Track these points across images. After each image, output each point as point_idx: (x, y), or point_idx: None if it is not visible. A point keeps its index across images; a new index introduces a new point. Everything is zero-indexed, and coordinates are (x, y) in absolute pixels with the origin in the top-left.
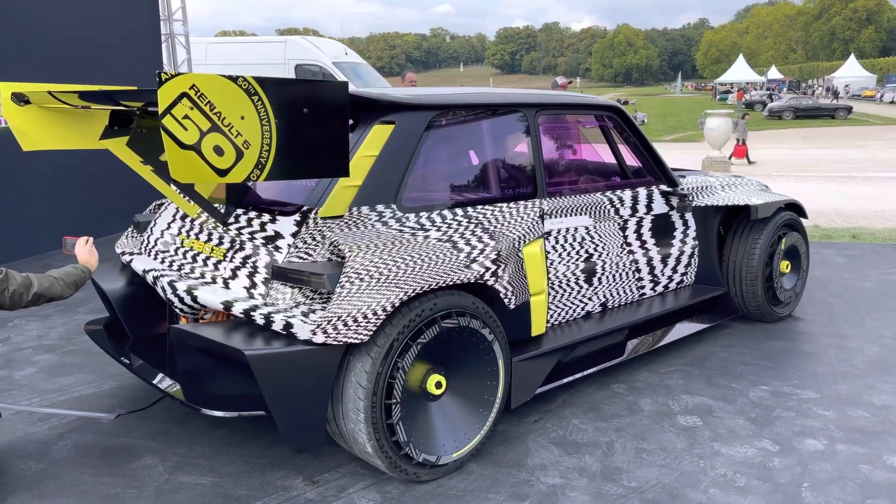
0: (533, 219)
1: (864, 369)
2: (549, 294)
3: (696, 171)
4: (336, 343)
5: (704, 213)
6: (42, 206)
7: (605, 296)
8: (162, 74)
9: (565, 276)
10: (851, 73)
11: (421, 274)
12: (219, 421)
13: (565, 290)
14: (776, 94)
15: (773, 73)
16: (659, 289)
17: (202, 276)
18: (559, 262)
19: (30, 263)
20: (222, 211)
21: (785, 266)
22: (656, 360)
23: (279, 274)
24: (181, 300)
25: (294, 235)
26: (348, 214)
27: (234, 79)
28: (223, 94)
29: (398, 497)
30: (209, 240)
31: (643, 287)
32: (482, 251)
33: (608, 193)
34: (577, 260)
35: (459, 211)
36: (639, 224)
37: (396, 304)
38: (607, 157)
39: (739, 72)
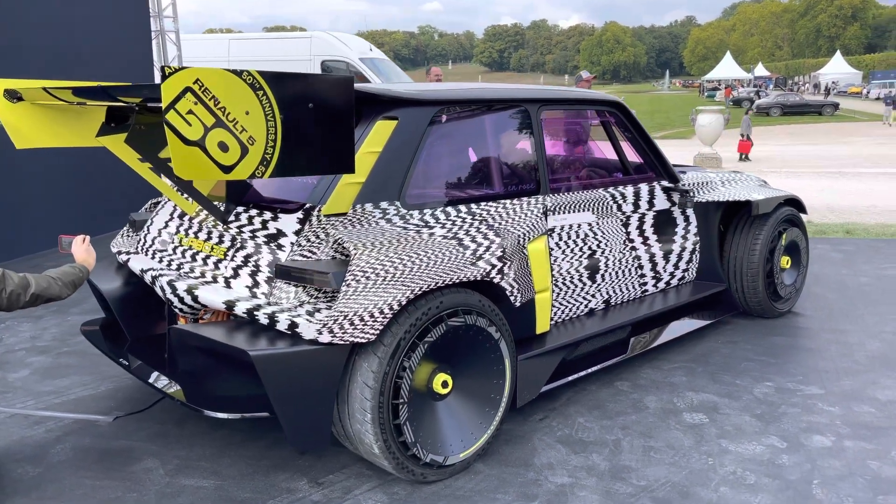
0: (537, 215)
1: (866, 365)
2: (553, 291)
3: (695, 166)
4: (342, 342)
5: (705, 209)
6: (37, 204)
7: (608, 293)
8: (165, 69)
9: (569, 272)
10: (837, 69)
11: (427, 271)
12: (219, 422)
13: (569, 287)
14: (763, 91)
15: (760, 70)
16: (661, 285)
17: (202, 275)
18: (563, 259)
19: (21, 263)
20: (222, 209)
21: (785, 262)
22: (659, 357)
23: (283, 272)
24: (181, 300)
25: (297, 233)
26: (352, 212)
27: (238, 73)
28: (227, 89)
29: (405, 498)
30: (209, 238)
31: (645, 284)
32: (488, 248)
33: (611, 189)
34: (580, 256)
35: (463, 208)
36: (641, 220)
37: (403, 303)
38: (609, 152)
39: (726, 69)
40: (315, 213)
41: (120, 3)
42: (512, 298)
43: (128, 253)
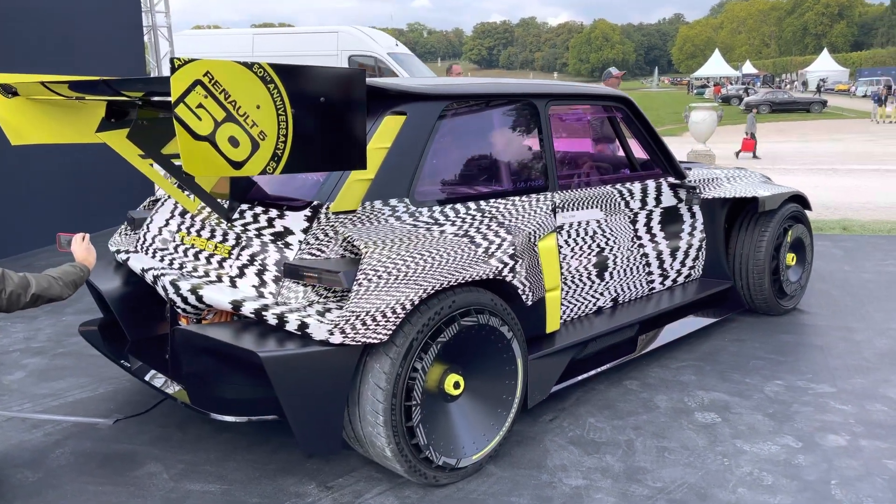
0: (546, 212)
1: (875, 362)
2: (563, 289)
3: (699, 163)
4: (354, 343)
5: (711, 206)
6: (33, 200)
7: (616, 290)
8: (175, 60)
9: (578, 270)
10: (824, 67)
11: (439, 270)
12: (223, 425)
13: (578, 286)
14: (751, 88)
15: (748, 67)
16: (668, 283)
17: (206, 274)
18: (572, 257)
19: (17, 261)
20: (226, 206)
21: (791, 258)
22: (666, 356)
23: (291, 271)
24: (185, 300)
25: (305, 231)
26: (361, 209)
27: (249, 65)
28: (238, 82)
29: (417, 502)
30: (212, 237)
31: (653, 281)
32: (499, 246)
33: (618, 186)
34: (589, 254)
35: (472, 205)
36: (648, 217)
37: (416, 302)
38: (616, 148)
39: (715, 66)
40: (323, 210)
41: None
42: (524, 297)
43: (127, 252)
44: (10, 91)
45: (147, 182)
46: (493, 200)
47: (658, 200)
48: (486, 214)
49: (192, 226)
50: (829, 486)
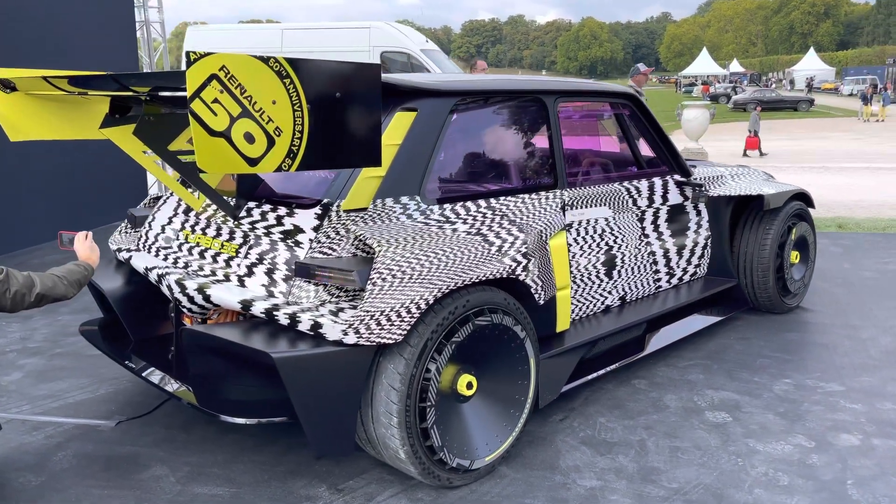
0: (556, 210)
1: (882, 360)
2: (572, 288)
3: (703, 161)
4: (368, 343)
5: (717, 204)
6: (33, 197)
7: (624, 289)
8: (191, 54)
9: (587, 269)
10: (810, 66)
11: (453, 269)
12: (229, 426)
13: (587, 284)
14: (739, 87)
15: (735, 66)
16: (674, 281)
17: (213, 273)
18: (581, 255)
19: (9, 258)
20: (232, 204)
21: (795, 256)
22: (672, 355)
23: (303, 270)
24: (191, 299)
25: (316, 230)
26: (372, 207)
27: (265, 59)
28: (254, 77)
29: None
30: (218, 235)
31: (659, 280)
32: (512, 244)
33: (626, 183)
34: (597, 252)
35: (483, 202)
36: (655, 215)
37: (431, 302)
38: (623, 145)
39: (703, 65)
40: (334, 208)
41: None
42: (536, 296)
43: (128, 250)
44: (8, 86)
45: (143, 179)
46: (504, 198)
47: (665, 198)
48: (497, 212)
49: (196, 224)
50: (845, 487)
